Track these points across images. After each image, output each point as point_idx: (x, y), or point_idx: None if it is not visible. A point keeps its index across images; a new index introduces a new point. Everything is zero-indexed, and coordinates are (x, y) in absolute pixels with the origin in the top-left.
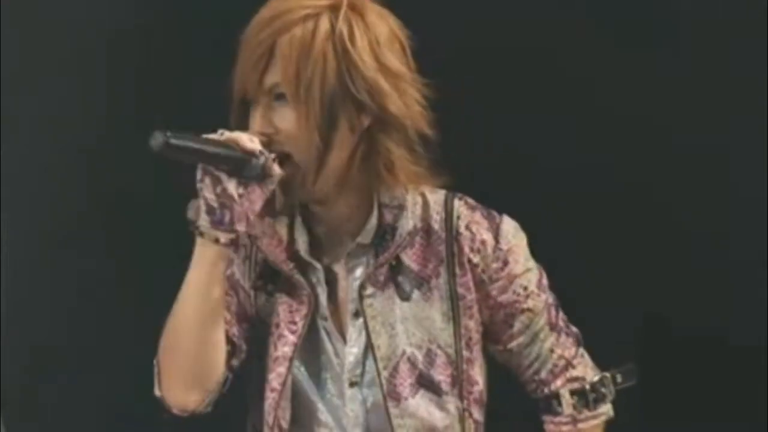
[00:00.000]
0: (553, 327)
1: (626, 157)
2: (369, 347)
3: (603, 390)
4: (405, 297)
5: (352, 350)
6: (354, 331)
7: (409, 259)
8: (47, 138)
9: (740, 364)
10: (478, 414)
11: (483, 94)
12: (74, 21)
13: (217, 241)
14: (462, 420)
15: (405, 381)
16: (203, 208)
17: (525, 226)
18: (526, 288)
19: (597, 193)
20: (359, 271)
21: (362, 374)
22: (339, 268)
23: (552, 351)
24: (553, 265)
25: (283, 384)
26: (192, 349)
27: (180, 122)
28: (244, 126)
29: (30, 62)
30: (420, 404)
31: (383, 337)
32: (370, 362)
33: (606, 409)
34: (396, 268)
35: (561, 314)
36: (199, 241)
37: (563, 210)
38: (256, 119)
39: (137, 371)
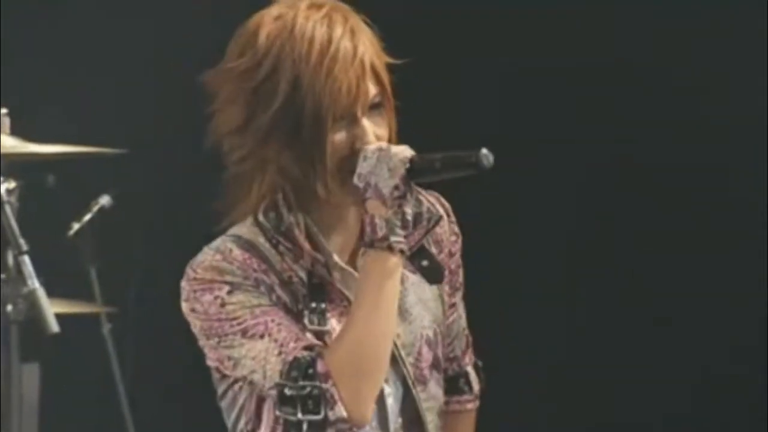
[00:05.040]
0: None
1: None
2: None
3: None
4: (434, 279)
5: None
6: None
7: (428, 243)
8: None
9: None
10: None
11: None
12: None
13: (401, 252)
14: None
15: (426, 364)
16: (397, 223)
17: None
18: (461, 262)
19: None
20: None
21: (394, 367)
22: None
23: (464, 328)
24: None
25: None
26: (384, 362)
27: None
28: (342, 141)
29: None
30: (435, 385)
31: (401, 325)
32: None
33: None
34: (418, 252)
35: None
36: (381, 255)
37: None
38: (370, 130)
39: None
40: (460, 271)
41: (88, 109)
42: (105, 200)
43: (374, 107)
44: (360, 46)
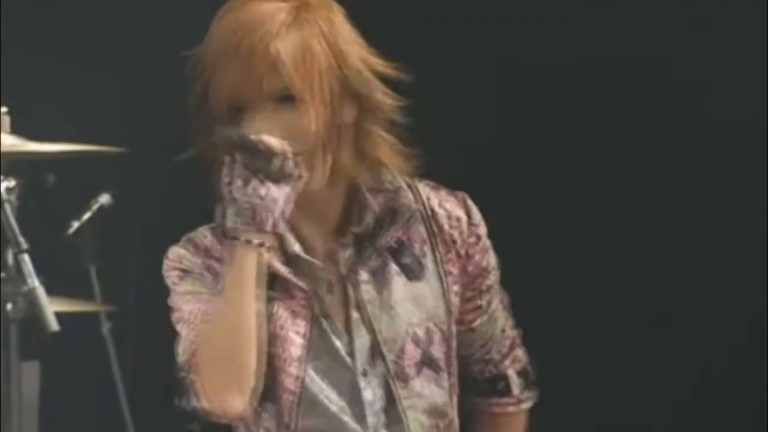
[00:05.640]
0: (504, 307)
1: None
2: (372, 333)
3: (533, 371)
4: (414, 277)
5: (362, 341)
6: (358, 320)
7: (410, 239)
8: None
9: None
10: (458, 389)
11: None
12: None
13: (249, 242)
14: (451, 395)
15: (411, 361)
16: (232, 210)
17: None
18: (489, 264)
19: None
20: (350, 261)
21: (374, 362)
22: (329, 262)
23: (503, 331)
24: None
25: (300, 386)
26: (239, 355)
27: None
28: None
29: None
30: (424, 383)
31: (383, 320)
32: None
33: (536, 390)
34: (399, 249)
35: (506, 294)
36: (232, 243)
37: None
38: (262, 124)
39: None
40: (489, 275)
41: (88, 109)
42: (105, 199)
43: (284, 100)
44: (266, 36)
